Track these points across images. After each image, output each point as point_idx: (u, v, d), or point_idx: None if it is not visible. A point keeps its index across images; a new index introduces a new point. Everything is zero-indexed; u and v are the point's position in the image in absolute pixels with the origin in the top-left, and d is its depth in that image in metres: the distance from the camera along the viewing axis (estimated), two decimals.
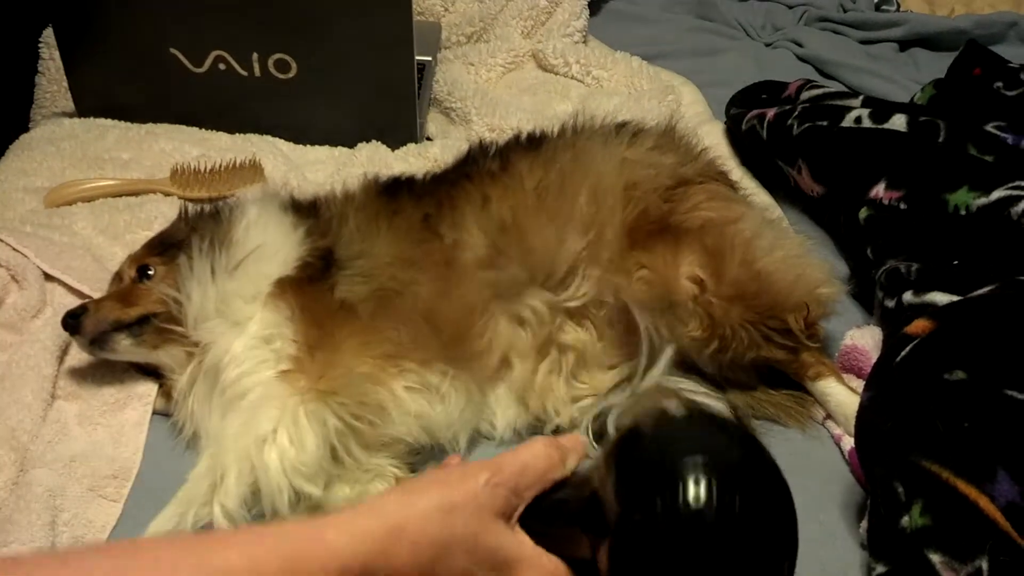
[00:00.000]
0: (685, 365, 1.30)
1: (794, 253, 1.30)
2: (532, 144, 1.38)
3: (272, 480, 1.07)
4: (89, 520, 1.12)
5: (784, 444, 1.26)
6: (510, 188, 1.29)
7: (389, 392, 1.17)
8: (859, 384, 1.27)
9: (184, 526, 1.05)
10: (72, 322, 1.23)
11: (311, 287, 1.20)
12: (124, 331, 1.24)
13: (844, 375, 1.30)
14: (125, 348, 1.24)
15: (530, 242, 1.25)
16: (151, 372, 1.29)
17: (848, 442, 1.23)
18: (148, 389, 1.28)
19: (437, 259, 1.24)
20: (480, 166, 1.34)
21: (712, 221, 1.28)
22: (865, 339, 1.31)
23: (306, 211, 1.31)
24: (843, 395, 1.26)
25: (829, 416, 1.28)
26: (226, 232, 1.26)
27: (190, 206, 1.38)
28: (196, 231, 1.28)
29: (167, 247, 1.29)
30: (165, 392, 1.27)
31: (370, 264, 1.23)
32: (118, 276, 1.31)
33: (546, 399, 1.27)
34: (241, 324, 1.19)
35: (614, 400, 1.28)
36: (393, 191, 1.34)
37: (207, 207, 1.36)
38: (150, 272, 1.27)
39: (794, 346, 1.27)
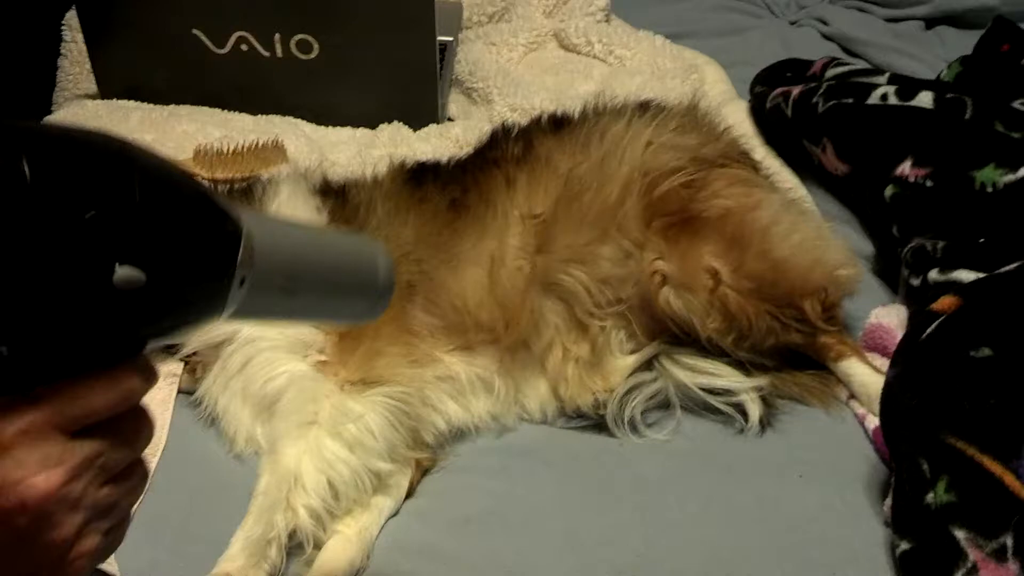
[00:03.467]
0: (707, 347, 1.30)
1: (812, 236, 1.30)
2: (556, 127, 1.38)
3: (350, 467, 1.09)
4: None
5: (808, 423, 1.27)
6: (536, 174, 1.29)
7: (425, 380, 1.19)
8: (884, 362, 1.27)
9: (276, 532, 1.05)
10: None
11: None
12: None
13: (869, 353, 1.29)
14: None
15: (562, 239, 1.26)
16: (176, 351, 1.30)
17: (872, 421, 1.23)
18: (174, 368, 1.29)
19: (465, 248, 1.25)
20: (505, 150, 1.34)
21: (730, 211, 1.28)
22: (890, 317, 1.30)
23: (334, 194, 1.32)
24: (866, 375, 1.26)
25: (853, 396, 1.28)
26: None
27: (216, 187, 1.39)
28: None
29: None
30: (190, 370, 1.28)
31: (397, 251, 1.23)
32: None
33: (571, 385, 1.28)
34: None
35: (636, 383, 1.28)
36: (419, 177, 1.34)
37: (238, 185, 1.37)
38: None
39: (812, 330, 1.27)
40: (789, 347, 1.29)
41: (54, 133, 0.50)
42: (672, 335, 1.31)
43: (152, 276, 0.49)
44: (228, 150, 1.60)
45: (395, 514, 1.16)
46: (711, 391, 1.28)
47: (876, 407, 1.17)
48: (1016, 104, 1.45)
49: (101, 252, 0.48)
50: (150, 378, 0.56)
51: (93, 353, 0.52)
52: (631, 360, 1.31)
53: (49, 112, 1.80)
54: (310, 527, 1.07)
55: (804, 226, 1.31)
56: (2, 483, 0.49)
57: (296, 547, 1.09)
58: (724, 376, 1.29)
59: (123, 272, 0.48)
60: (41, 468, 0.50)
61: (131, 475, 0.58)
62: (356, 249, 0.69)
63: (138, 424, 0.57)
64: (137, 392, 0.55)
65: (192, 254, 0.52)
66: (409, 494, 1.18)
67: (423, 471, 1.20)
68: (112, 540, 0.58)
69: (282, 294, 0.60)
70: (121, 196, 0.49)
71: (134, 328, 0.52)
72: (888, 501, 1.09)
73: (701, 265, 1.25)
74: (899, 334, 1.27)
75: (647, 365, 1.31)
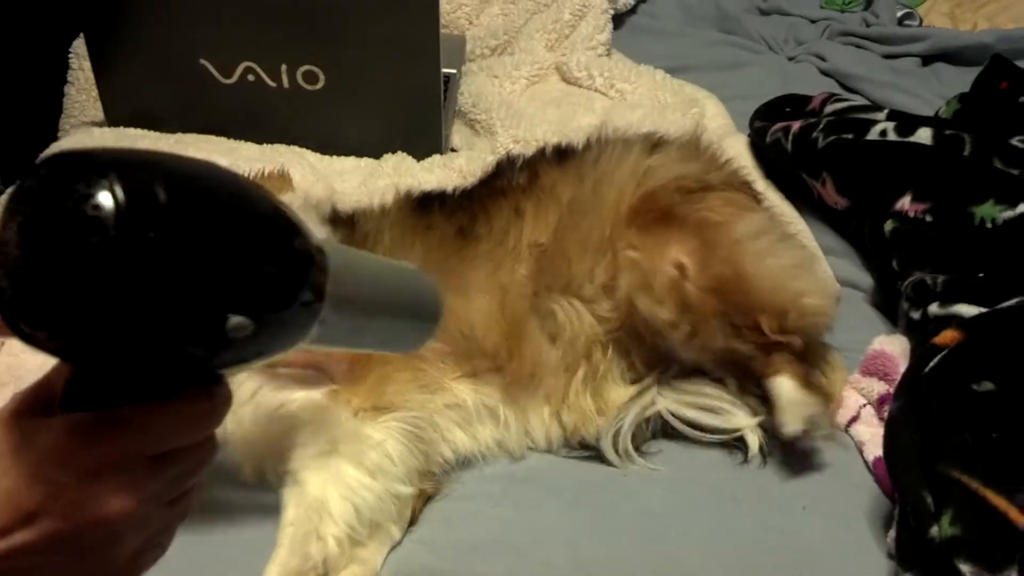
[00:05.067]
0: (705, 376, 1.30)
1: (789, 264, 1.28)
2: (560, 158, 1.39)
3: (374, 493, 1.10)
4: None
5: (810, 454, 1.26)
6: (542, 204, 1.30)
7: (435, 407, 1.20)
8: (882, 387, 1.28)
9: (312, 563, 1.06)
10: None
11: None
12: None
13: (868, 378, 1.30)
14: None
15: (560, 267, 1.27)
16: None
17: (871, 452, 1.23)
18: None
19: (476, 276, 1.26)
20: (510, 180, 1.36)
21: (710, 220, 1.28)
22: (893, 346, 1.31)
23: (343, 223, 1.33)
24: (787, 385, 1.21)
25: (775, 411, 1.22)
26: None
27: None
28: None
29: None
30: None
31: None
32: None
33: (573, 413, 1.29)
34: None
35: (634, 412, 1.29)
36: (425, 206, 1.35)
37: None
38: None
39: (762, 344, 1.23)
40: (736, 357, 1.26)
41: (185, 170, 0.48)
42: (673, 366, 1.31)
43: (259, 323, 0.49)
44: None
45: (398, 543, 1.16)
46: (710, 423, 1.28)
47: (796, 418, 1.18)
48: (1015, 141, 1.47)
49: (218, 300, 0.47)
50: (228, 405, 0.56)
51: (181, 381, 0.53)
52: (632, 390, 1.31)
53: (56, 139, 1.81)
54: (338, 556, 1.08)
55: (783, 252, 1.29)
56: (80, 500, 0.50)
57: None
58: (723, 407, 1.29)
59: (236, 322, 0.48)
60: (120, 490, 0.51)
61: (189, 496, 0.59)
62: (414, 278, 0.70)
63: (209, 450, 0.58)
64: (217, 420, 0.56)
65: (292, 295, 0.52)
66: (412, 522, 1.18)
67: (426, 499, 1.20)
68: (161, 552, 0.59)
69: (354, 324, 0.59)
70: (241, 243, 0.48)
71: (226, 363, 0.52)
72: (892, 533, 1.10)
73: (669, 256, 1.23)
74: (901, 362, 1.28)
75: (647, 395, 1.31)
